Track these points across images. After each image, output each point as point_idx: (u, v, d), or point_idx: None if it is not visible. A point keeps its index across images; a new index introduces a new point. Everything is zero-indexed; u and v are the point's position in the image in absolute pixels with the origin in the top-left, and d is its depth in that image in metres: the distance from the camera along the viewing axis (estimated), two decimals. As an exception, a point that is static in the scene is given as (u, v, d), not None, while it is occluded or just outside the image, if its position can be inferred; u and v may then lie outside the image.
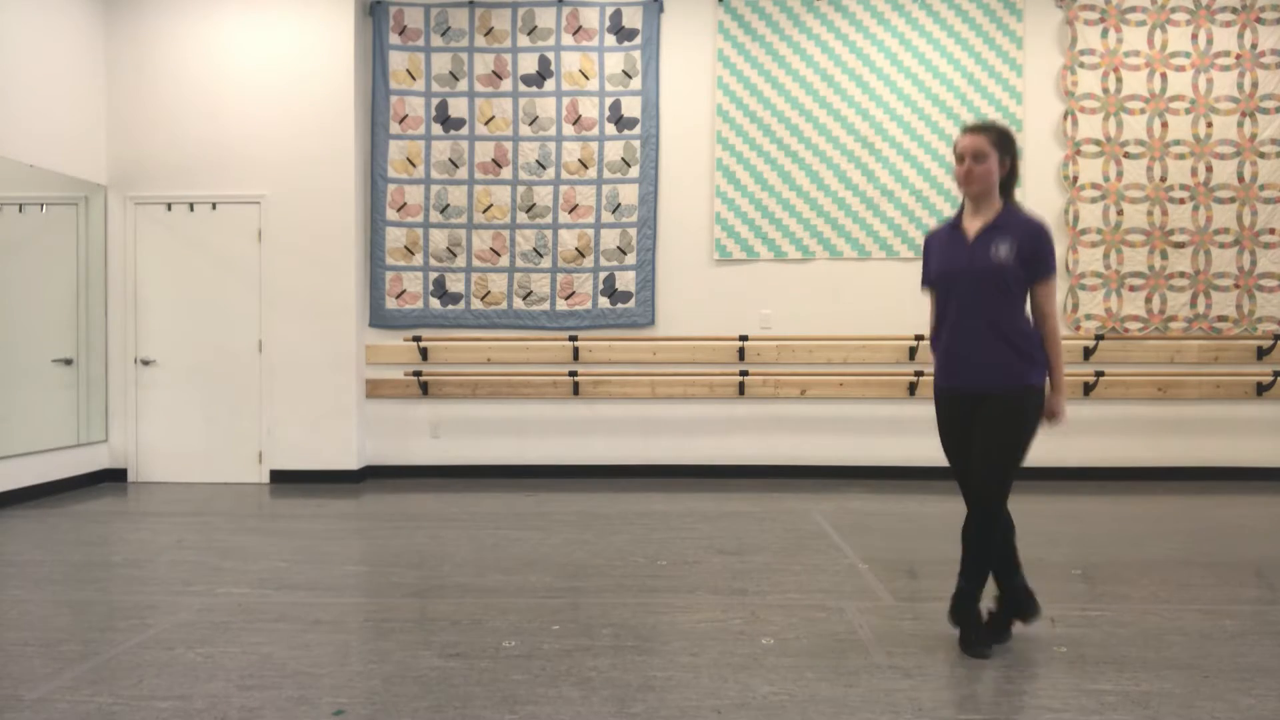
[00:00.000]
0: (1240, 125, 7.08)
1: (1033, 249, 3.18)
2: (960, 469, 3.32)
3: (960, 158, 3.24)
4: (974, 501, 3.22)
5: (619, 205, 7.23)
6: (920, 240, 7.18)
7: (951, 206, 7.17)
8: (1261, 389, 7.06)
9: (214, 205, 7.06)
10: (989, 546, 3.22)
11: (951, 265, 3.30)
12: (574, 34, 7.22)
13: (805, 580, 4.29)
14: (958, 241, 3.30)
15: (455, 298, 7.28)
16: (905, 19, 7.18)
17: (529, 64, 7.23)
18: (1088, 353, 7.11)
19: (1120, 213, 7.12)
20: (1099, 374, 7.04)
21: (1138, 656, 3.24)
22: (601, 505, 6.11)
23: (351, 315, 7.11)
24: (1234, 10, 7.08)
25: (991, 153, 3.20)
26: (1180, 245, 7.11)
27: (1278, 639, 3.43)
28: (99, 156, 7.05)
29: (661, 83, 7.24)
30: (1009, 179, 3.27)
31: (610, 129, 7.21)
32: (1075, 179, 7.13)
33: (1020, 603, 3.32)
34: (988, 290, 3.20)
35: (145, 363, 7.09)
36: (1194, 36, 7.09)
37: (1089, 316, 7.14)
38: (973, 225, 3.28)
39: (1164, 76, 7.10)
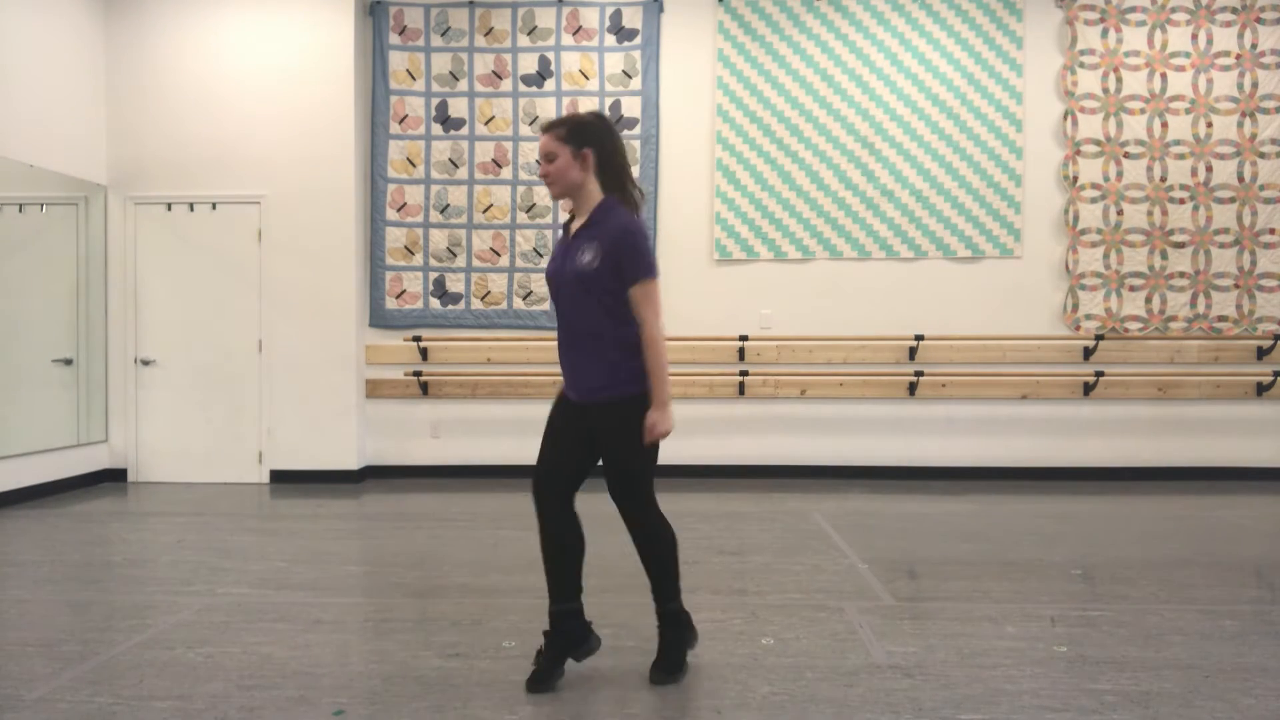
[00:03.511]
0: (1240, 125, 7.08)
1: (617, 253, 2.87)
2: (543, 468, 3.08)
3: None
4: (627, 519, 3.06)
5: (619, 205, 7.21)
6: (920, 240, 7.19)
7: (951, 206, 7.18)
8: (1261, 389, 7.06)
9: (214, 205, 7.06)
10: (655, 561, 3.04)
11: (553, 270, 3.04)
12: (574, 34, 7.22)
13: (805, 580, 4.29)
14: (562, 244, 3.05)
15: (455, 298, 7.28)
16: (905, 19, 7.18)
17: (529, 64, 7.23)
18: (1088, 353, 7.11)
19: (1120, 213, 7.12)
20: (1099, 374, 7.04)
21: (1138, 656, 3.24)
22: (601, 505, 6.08)
23: (351, 315, 7.11)
24: (1234, 10, 7.08)
25: (561, 149, 2.92)
26: (1180, 245, 7.11)
27: (1278, 639, 3.43)
28: (99, 156, 7.05)
29: (661, 83, 7.23)
30: (609, 169, 2.97)
31: (610, 129, 7.20)
32: (1075, 179, 7.13)
33: (682, 628, 3.08)
34: (580, 297, 2.92)
35: (145, 363, 7.09)
36: (1194, 36, 7.09)
37: (1089, 316, 7.14)
38: (575, 226, 3.03)
39: (1164, 76, 7.10)
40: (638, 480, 3.03)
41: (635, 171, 7.19)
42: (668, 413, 2.95)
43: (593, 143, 2.95)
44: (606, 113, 7.19)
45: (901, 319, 7.18)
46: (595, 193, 2.99)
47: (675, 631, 3.07)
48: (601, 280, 2.90)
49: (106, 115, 7.09)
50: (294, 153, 7.02)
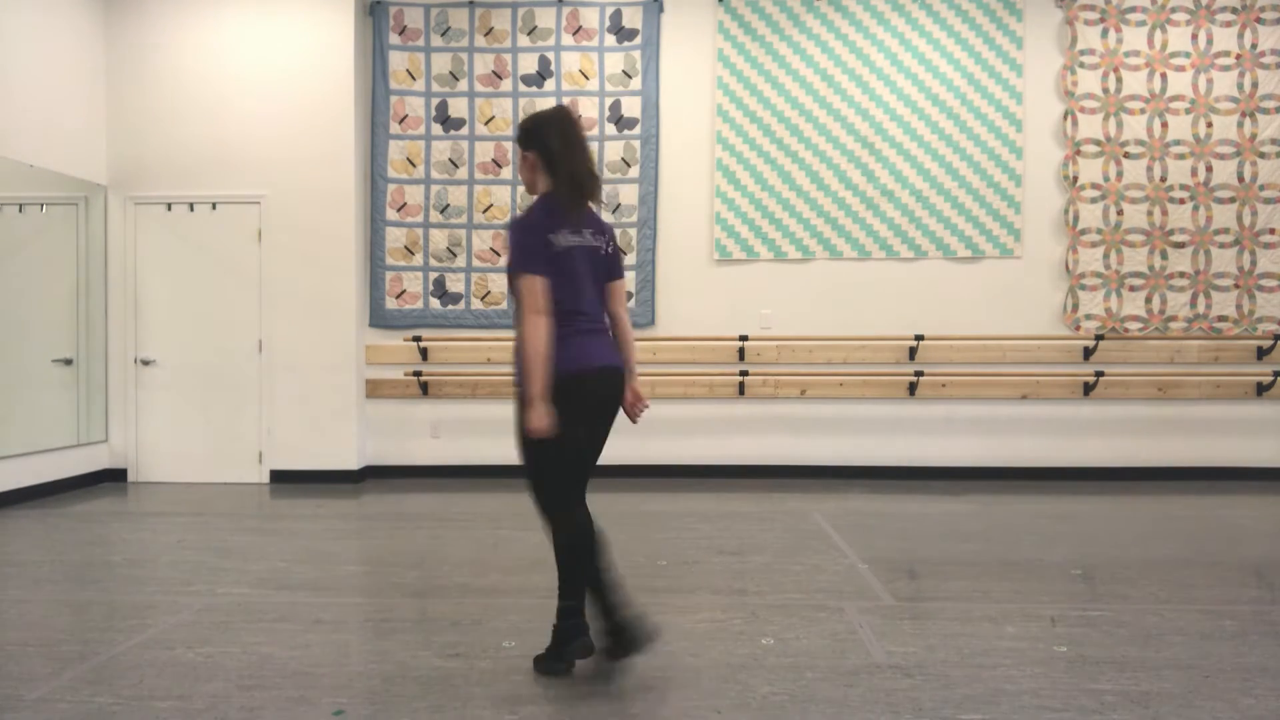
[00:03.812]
0: (1240, 125, 7.08)
1: (509, 248, 3.03)
2: None
3: None
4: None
5: (619, 205, 7.23)
6: (920, 240, 7.20)
7: (952, 206, 7.18)
8: (1261, 389, 7.06)
9: (214, 205, 7.06)
10: (556, 558, 3.03)
11: None
12: (574, 34, 7.22)
13: (805, 580, 4.29)
14: None
15: (455, 298, 7.28)
16: (905, 19, 7.18)
17: (529, 64, 7.23)
18: (1088, 353, 7.11)
19: (1120, 213, 7.12)
20: (1099, 374, 7.04)
21: (1138, 656, 3.24)
22: (601, 505, 6.08)
23: (351, 315, 7.11)
24: (1234, 10, 7.08)
25: (519, 150, 3.14)
26: (1180, 245, 7.11)
27: (1278, 639, 3.43)
28: (99, 156, 7.04)
29: (661, 83, 7.23)
30: (554, 169, 3.02)
31: (610, 129, 7.21)
32: (1075, 179, 7.13)
33: (563, 632, 3.00)
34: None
35: (145, 363, 7.09)
36: (1194, 36, 7.09)
37: (1089, 316, 7.14)
38: None
39: (1164, 76, 7.10)
40: (529, 473, 3.06)
41: (634, 171, 7.20)
42: (535, 411, 2.86)
43: (536, 145, 3.07)
44: (606, 113, 7.19)
45: (901, 319, 7.17)
46: (541, 191, 3.12)
47: (558, 629, 3.03)
48: (508, 276, 3.08)
49: (106, 115, 7.09)
50: (294, 153, 7.02)
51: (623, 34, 7.21)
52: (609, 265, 3.15)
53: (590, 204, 3.12)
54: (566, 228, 3.00)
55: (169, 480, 7.08)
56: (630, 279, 7.23)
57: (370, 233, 7.27)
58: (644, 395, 3.26)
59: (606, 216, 7.19)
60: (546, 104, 7.20)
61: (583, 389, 2.97)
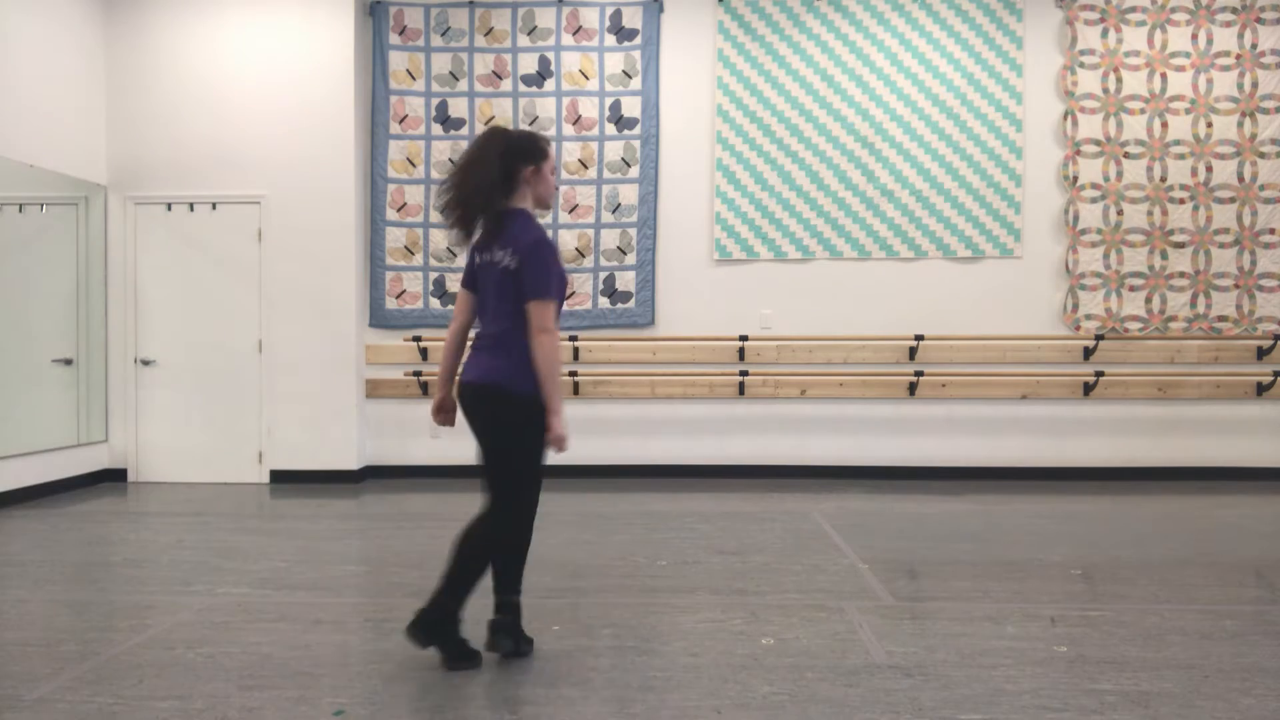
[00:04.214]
0: (1240, 125, 7.08)
1: None
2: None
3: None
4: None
5: (619, 205, 7.23)
6: (920, 240, 7.20)
7: (951, 206, 7.18)
8: (1261, 389, 7.06)
9: (214, 205, 7.06)
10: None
11: None
12: (574, 34, 7.22)
13: (805, 580, 4.29)
14: None
15: (455, 298, 7.27)
16: (905, 19, 7.18)
17: (529, 64, 7.23)
18: (1088, 353, 7.11)
19: (1120, 213, 7.12)
20: (1099, 374, 7.04)
21: (1138, 656, 3.24)
22: (601, 505, 6.10)
23: (351, 315, 7.11)
24: (1234, 10, 7.08)
25: None
26: (1180, 245, 7.11)
27: (1278, 639, 3.43)
28: (99, 156, 7.04)
29: (661, 83, 7.23)
30: None
31: (610, 129, 7.21)
32: (1075, 179, 7.13)
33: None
34: None
35: (145, 363, 7.09)
36: (1194, 36, 7.09)
37: (1089, 316, 7.14)
38: None
39: (1164, 76, 7.10)
40: None
41: (634, 171, 7.21)
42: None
43: None
44: (606, 113, 7.20)
45: (901, 319, 7.17)
46: None
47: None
48: None
49: (106, 115, 7.09)
50: (294, 153, 7.02)
51: (623, 34, 7.21)
52: (513, 282, 3.05)
53: (498, 219, 3.17)
54: (479, 247, 3.21)
55: (169, 480, 7.08)
56: (630, 279, 7.23)
57: (370, 233, 7.27)
58: (557, 430, 3.08)
59: (606, 216, 7.21)
60: (546, 104, 7.21)
61: (459, 400, 3.23)
